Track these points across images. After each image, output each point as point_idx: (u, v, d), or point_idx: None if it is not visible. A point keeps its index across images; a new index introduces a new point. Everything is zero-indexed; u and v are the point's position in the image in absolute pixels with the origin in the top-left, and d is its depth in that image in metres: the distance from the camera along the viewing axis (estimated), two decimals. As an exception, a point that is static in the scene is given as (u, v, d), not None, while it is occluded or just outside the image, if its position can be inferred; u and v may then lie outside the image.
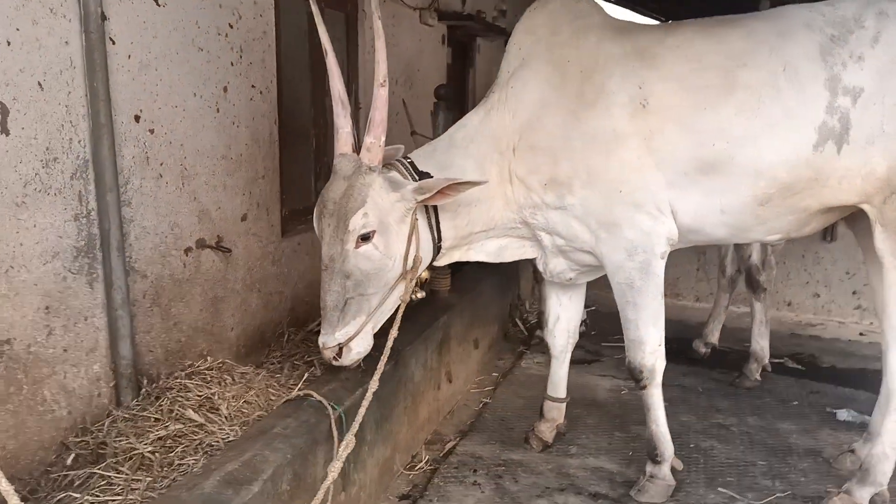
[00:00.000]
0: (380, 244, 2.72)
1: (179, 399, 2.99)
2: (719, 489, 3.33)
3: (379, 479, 3.10)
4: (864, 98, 2.77)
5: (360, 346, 2.82)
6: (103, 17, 2.77)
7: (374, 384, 2.66)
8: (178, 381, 3.12)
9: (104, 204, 2.83)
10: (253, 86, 3.82)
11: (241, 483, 2.12)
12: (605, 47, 2.99)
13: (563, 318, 3.62)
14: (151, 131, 3.11)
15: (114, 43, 2.87)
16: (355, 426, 2.57)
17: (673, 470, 3.28)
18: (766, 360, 4.74)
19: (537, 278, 5.41)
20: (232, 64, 3.63)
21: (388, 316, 2.92)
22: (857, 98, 2.78)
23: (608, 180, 2.92)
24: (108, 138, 2.81)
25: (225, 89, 3.58)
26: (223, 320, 3.67)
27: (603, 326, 3.79)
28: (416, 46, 6.35)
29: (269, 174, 4.05)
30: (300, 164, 4.64)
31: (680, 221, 3.01)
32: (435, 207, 2.96)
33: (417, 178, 2.85)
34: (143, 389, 3.04)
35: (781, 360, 5.03)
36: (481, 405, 4.23)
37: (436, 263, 3.15)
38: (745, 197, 2.93)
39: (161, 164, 3.18)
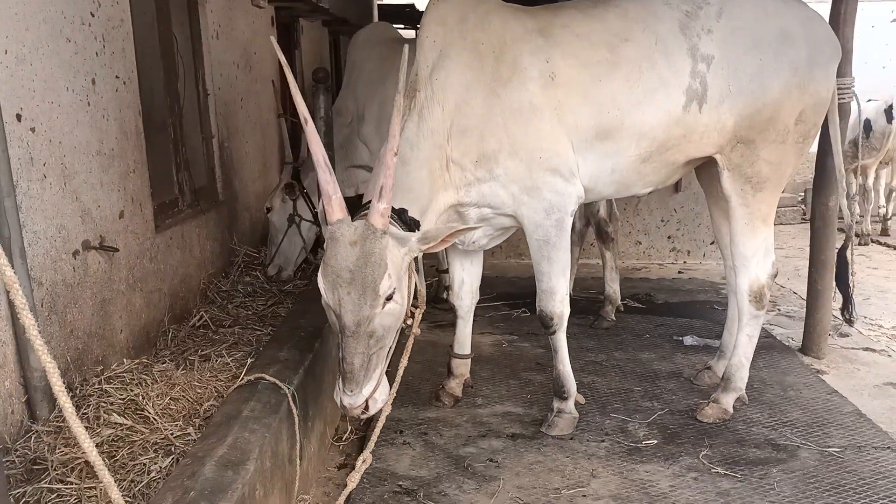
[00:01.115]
0: (398, 298, 2.75)
1: (103, 405, 2.91)
2: (612, 415, 3.77)
3: (318, 453, 3.19)
4: (715, 64, 3.25)
5: (383, 394, 2.83)
6: (-16, 10, 2.59)
7: (387, 408, 2.86)
8: (97, 387, 3.02)
9: (1, 210, 2.66)
10: (117, 76, 3.68)
11: (237, 464, 2.16)
12: (511, 27, 3.23)
13: (467, 280, 3.87)
14: (33, 130, 2.94)
15: (-10, 38, 2.69)
16: (371, 444, 2.71)
17: (576, 404, 3.67)
18: (619, 302, 5.33)
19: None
20: (97, 54, 3.48)
21: None
22: (710, 64, 3.25)
23: (528, 149, 3.17)
24: (1, 140, 2.64)
25: (93, 81, 3.43)
26: (112, 323, 3.54)
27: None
28: (251, 29, 6.25)
29: (139, 168, 3.93)
30: (162, 156, 4.49)
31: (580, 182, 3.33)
32: None
33: (397, 217, 2.89)
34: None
35: (625, 301, 5.65)
36: (382, 374, 4.39)
37: None
38: (631, 157, 3.33)
39: (44, 165, 3.02)
